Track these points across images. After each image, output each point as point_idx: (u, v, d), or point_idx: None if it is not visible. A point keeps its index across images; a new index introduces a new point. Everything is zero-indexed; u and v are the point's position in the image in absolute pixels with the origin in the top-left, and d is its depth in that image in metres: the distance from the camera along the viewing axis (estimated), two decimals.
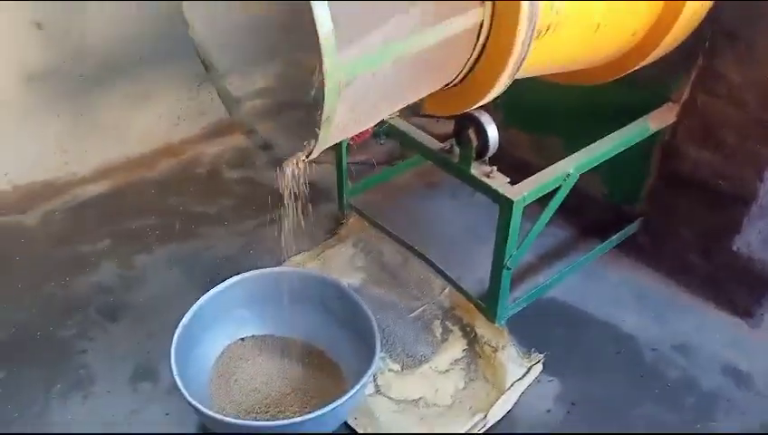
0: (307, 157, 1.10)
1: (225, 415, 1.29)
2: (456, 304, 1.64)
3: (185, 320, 1.36)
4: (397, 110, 1.18)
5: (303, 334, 1.50)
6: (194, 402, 1.20)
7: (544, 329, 1.61)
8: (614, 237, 1.76)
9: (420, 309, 1.64)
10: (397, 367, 1.50)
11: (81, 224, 1.87)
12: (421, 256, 1.76)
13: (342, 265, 1.75)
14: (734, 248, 1.63)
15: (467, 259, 1.81)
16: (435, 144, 1.48)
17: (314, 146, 1.04)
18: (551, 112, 1.85)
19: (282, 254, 1.78)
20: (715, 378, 1.51)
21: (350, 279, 1.71)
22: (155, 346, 1.53)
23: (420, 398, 1.44)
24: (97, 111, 2.00)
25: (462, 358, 1.53)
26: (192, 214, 1.93)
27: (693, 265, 1.71)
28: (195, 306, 1.39)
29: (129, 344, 1.54)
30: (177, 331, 1.33)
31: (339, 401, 1.22)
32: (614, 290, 1.71)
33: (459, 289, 1.65)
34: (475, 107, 1.22)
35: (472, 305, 1.62)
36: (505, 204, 1.32)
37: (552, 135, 1.89)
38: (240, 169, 2.12)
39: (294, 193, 1.28)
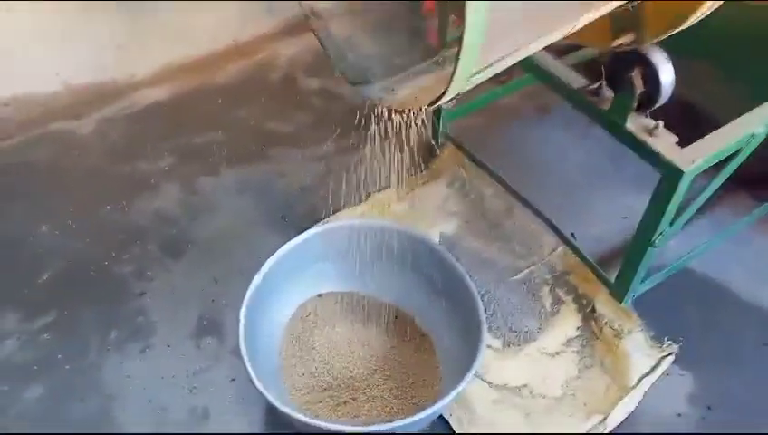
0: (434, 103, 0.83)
1: (306, 411, 1.12)
2: (570, 268, 1.38)
3: (253, 286, 1.14)
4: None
5: (390, 296, 1.27)
6: (274, 402, 1.01)
7: (675, 308, 1.34)
8: None
9: (526, 271, 1.39)
10: (497, 343, 1.27)
11: (140, 136, 1.65)
12: (528, 204, 1.49)
13: (434, 209, 1.50)
14: None
15: (583, 209, 1.53)
16: (576, 80, 1.17)
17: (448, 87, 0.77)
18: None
19: (364, 189, 1.56)
20: None
21: (443, 226, 1.46)
22: (221, 294, 1.34)
23: (524, 385, 1.22)
24: (158, 4, 1.72)
25: (575, 338, 1.29)
26: (264, 131, 1.68)
27: None
28: (265, 267, 1.17)
29: (193, 289, 1.35)
30: (246, 299, 1.12)
31: (437, 406, 1.01)
32: (766, 263, 1.42)
33: (576, 252, 1.39)
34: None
35: (591, 272, 1.36)
36: (671, 174, 1.02)
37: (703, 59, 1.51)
38: (318, 78, 1.83)
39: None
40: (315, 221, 1.47)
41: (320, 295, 1.29)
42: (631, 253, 1.19)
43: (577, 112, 1.49)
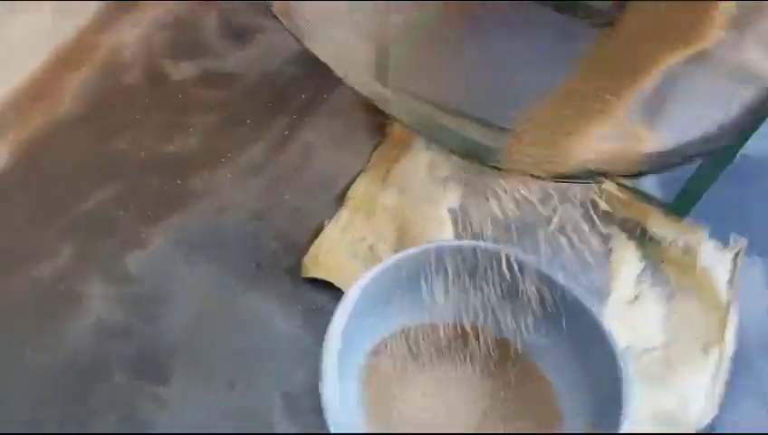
0: None
1: None
2: (596, 193, 1.23)
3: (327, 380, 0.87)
4: None
5: (475, 319, 1.03)
6: None
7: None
8: None
9: (556, 218, 1.22)
10: None
11: (12, 228, 1.19)
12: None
13: (425, 184, 1.24)
14: None
15: None
16: None
17: None
18: None
19: (330, 188, 1.26)
20: None
21: (447, 200, 1.22)
22: (247, 399, 1.04)
23: (627, 347, 1.09)
24: None
25: (644, 271, 1.16)
26: (165, 158, 1.28)
27: None
28: (330, 351, 0.89)
29: (208, 412, 1.03)
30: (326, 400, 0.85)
31: None
32: None
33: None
34: None
35: (622, 194, 1.22)
36: None
37: None
38: (192, 59, 1.41)
39: None
40: (297, 255, 1.17)
41: (386, 343, 1.03)
42: (707, 171, 1.05)
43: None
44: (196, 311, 1.12)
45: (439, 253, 1.00)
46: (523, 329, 1.00)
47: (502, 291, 1.00)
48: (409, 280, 1.00)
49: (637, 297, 1.14)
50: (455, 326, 1.03)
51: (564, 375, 1.00)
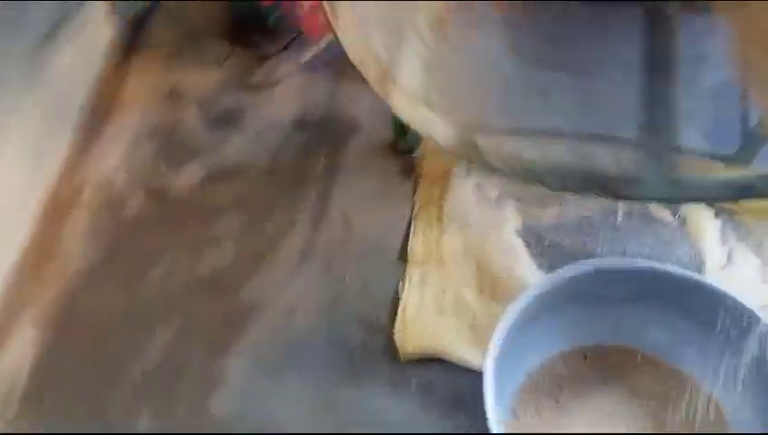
0: None
1: None
2: None
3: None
4: None
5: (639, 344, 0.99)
6: None
7: None
8: None
9: (620, 202, 1.19)
10: None
11: (82, 409, 1.07)
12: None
13: (481, 213, 1.19)
14: None
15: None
16: None
17: None
18: None
19: (386, 249, 1.19)
20: None
21: (509, 223, 1.17)
22: None
23: None
24: None
25: (724, 227, 1.15)
26: (207, 277, 1.18)
27: None
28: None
29: None
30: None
31: None
32: None
33: None
34: None
35: None
36: None
37: None
38: (189, 162, 1.31)
39: None
40: (384, 332, 1.10)
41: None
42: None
43: None
44: (307, 426, 1.04)
45: (564, 282, 0.95)
46: (690, 356, 0.96)
47: (648, 308, 0.96)
48: (538, 317, 0.95)
49: (729, 257, 1.12)
50: (601, 351, 0.99)
51: (730, 399, 0.94)
